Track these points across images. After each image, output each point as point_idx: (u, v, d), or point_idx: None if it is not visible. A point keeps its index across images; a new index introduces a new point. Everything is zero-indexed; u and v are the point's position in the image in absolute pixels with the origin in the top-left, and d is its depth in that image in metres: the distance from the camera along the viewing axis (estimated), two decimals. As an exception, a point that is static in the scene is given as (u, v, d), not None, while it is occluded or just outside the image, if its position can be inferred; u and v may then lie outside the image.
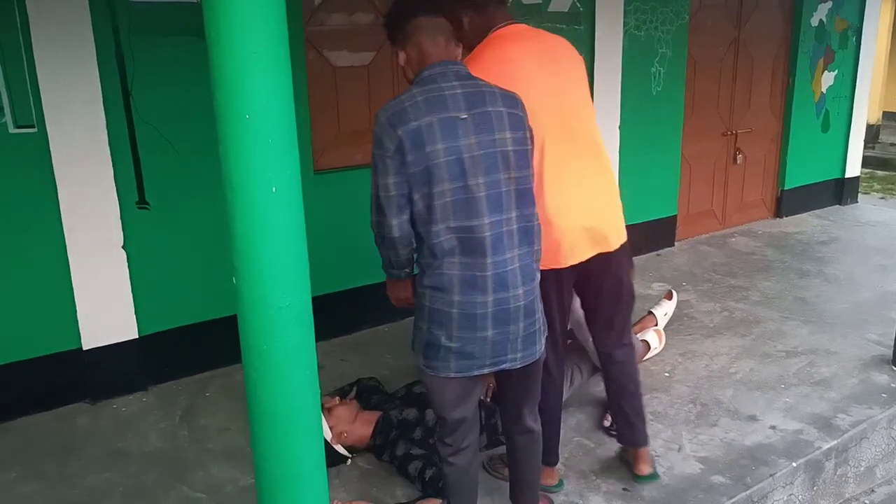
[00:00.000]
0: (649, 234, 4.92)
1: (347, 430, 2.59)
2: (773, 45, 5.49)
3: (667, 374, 3.27)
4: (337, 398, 2.75)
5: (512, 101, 1.87)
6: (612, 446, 2.70)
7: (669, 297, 3.67)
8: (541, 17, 4.05)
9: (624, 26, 4.38)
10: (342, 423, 2.60)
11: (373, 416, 2.65)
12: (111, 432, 2.88)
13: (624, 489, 2.48)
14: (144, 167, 3.03)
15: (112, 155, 2.93)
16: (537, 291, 1.93)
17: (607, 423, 2.79)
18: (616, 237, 2.28)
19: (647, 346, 3.30)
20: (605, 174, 2.28)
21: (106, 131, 2.89)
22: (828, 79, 5.82)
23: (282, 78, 1.36)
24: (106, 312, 3.05)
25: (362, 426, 2.62)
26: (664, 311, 3.59)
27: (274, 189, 1.36)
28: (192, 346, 3.28)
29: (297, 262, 1.44)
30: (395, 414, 2.61)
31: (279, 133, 1.35)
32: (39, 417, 2.98)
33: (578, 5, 4.18)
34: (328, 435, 2.53)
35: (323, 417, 2.54)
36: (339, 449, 2.56)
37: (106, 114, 2.88)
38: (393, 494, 2.46)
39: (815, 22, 5.55)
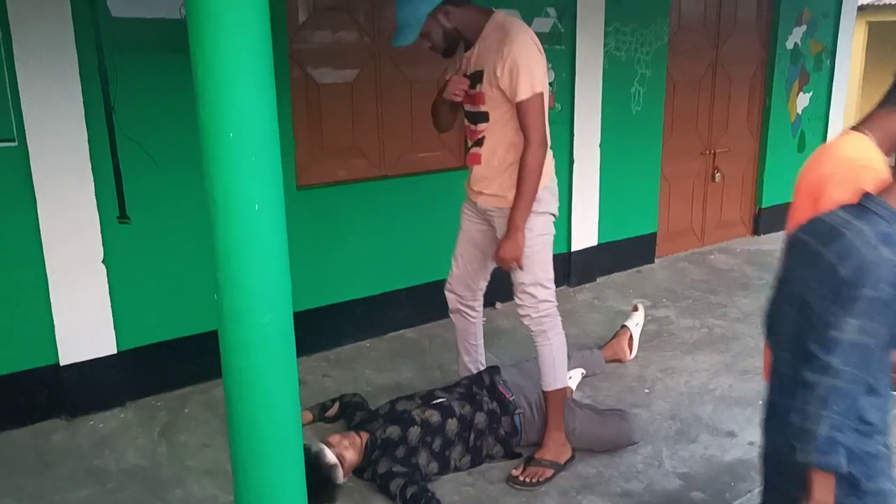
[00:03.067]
0: (630, 251, 4.97)
1: (352, 462, 2.57)
2: (750, 67, 5.60)
3: (647, 391, 3.29)
4: (337, 436, 2.61)
5: (840, 250, 1.47)
6: (591, 461, 2.71)
7: (636, 309, 3.72)
8: (523, 37, 4.09)
9: (604, 47, 4.45)
10: (348, 462, 2.54)
11: (360, 441, 2.61)
12: (88, 449, 2.85)
13: (604, 505, 2.49)
14: (126, 182, 3.02)
15: (93, 169, 2.92)
16: None
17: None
18: None
19: (570, 390, 3.13)
20: None
21: (87, 146, 2.88)
22: (803, 100, 5.94)
23: (266, 96, 1.37)
24: (84, 327, 3.02)
25: (356, 454, 2.59)
26: (635, 321, 3.65)
27: (257, 206, 1.37)
28: (171, 362, 3.26)
29: (279, 278, 1.45)
30: (378, 434, 2.60)
31: (263, 151, 1.36)
32: (15, 434, 2.93)
33: (560, 26, 4.24)
34: (341, 478, 2.50)
35: (338, 464, 2.47)
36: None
37: (88, 128, 2.87)
38: (374, 511, 2.45)
39: (790, 45, 5.67)
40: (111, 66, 2.90)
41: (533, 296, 2.63)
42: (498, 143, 2.56)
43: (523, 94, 2.42)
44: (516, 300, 2.68)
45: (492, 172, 2.60)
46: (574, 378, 3.18)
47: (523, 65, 2.40)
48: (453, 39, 2.51)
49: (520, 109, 2.45)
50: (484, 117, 2.56)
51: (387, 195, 3.80)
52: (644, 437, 2.89)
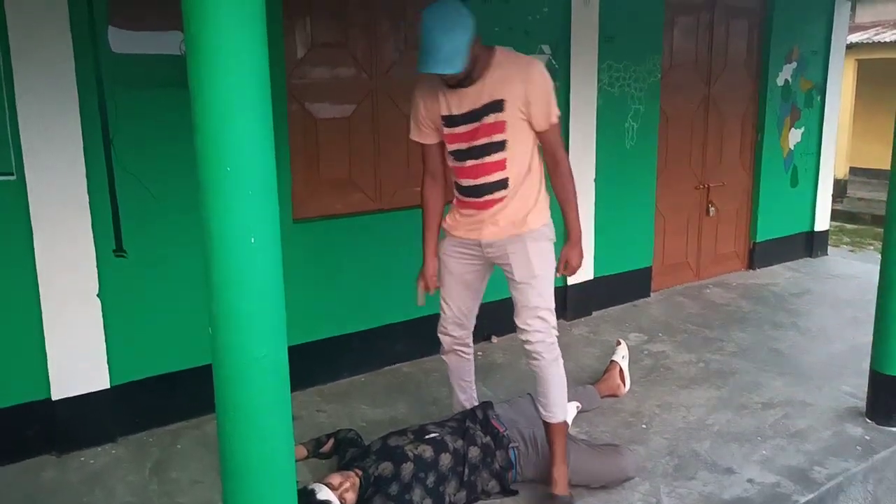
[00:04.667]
0: (625, 285, 4.98)
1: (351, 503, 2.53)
2: (742, 103, 5.68)
3: (644, 426, 3.26)
4: (338, 477, 2.55)
5: None
6: (589, 499, 2.68)
7: (619, 343, 3.72)
8: (518, 74, 4.15)
9: (598, 83, 4.51)
10: (349, 502, 2.50)
11: (358, 480, 2.56)
12: (78, 486, 2.80)
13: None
14: (123, 215, 3.02)
15: (91, 203, 2.92)
16: None
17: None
18: None
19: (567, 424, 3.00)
20: None
21: (85, 179, 2.89)
22: (795, 135, 6.01)
23: (263, 130, 1.38)
24: (77, 362, 2.99)
25: (355, 495, 2.54)
26: (621, 354, 3.63)
27: (253, 240, 1.37)
28: (164, 396, 3.23)
29: (274, 312, 1.45)
30: (371, 471, 2.56)
31: (259, 184, 1.37)
32: (4, 470, 2.88)
33: (554, 63, 4.31)
34: None
35: (334, 497, 2.42)
36: None
37: (86, 162, 2.89)
38: (368, 550, 2.41)
39: (780, 82, 5.77)
40: (111, 101, 2.93)
41: (546, 320, 2.61)
42: (517, 174, 2.56)
43: (554, 118, 2.52)
44: (526, 326, 2.60)
45: (507, 206, 2.59)
46: (570, 412, 3.15)
47: (550, 90, 2.49)
48: (470, 70, 2.46)
49: (550, 133, 2.55)
50: (500, 147, 2.53)
51: (383, 229, 3.81)
52: (641, 473, 2.85)
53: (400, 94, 3.82)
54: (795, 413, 3.40)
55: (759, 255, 5.92)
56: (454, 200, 2.74)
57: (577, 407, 3.22)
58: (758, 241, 5.90)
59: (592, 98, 4.50)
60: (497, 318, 3.46)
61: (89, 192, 2.92)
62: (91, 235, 2.95)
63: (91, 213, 2.93)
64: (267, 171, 1.38)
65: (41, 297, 2.88)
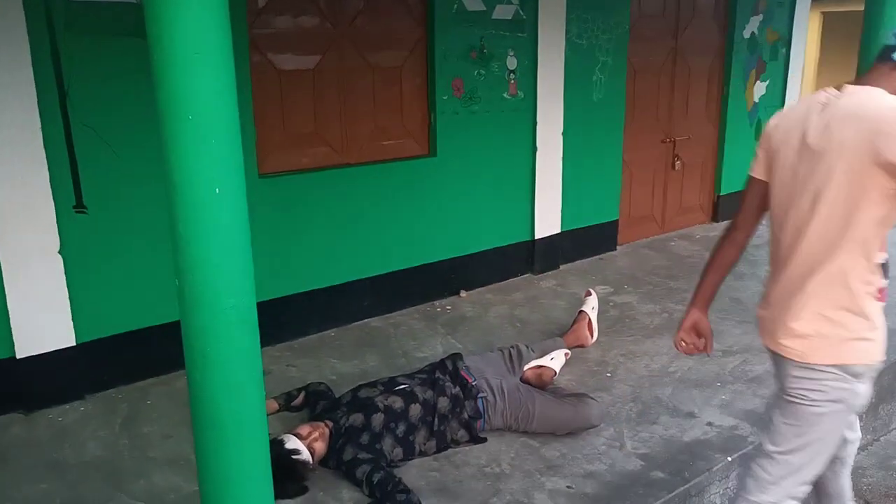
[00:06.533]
0: (592, 239, 5.04)
1: (321, 453, 2.57)
2: (709, 56, 5.70)
3: (609, 374, 3.35)
4: (307, 428, 2.59)
5: None
6: (555, 444, 2.76)
7: (588, 293, 3.77)
8: (485, 25, 4.10)
9: (566, 34, 4.48)
10: (318, 454, 2.55)
11: (327, 430, 2.61)
12: (47, 442, 2.79)
13: (568, 486, 2.53)
14: (82, 170, 2.95)
15: (48, 157, 2.84)
16: None
17: None
18: None
19: (553, 372, 3.15)
20: None
21: (41, 133, 2.81)
22: (760, 88, 6.07)
23: (225, 78, 1.36)
24: (41, 320, 2.95)
25: (324, 445, 2.59)
26: (591, 305, 3.69)
27: (217, 190, 1.36)
28: (132, 353, 3.21)
29: (241, 262, 1.44)
30: (342, 422, 2.60)
31: (222, 134, 1.35)
32: (-31, 429, 2.87)
33: (522, 13, 4.25)
34: (310, 459, 2.49)
35: (309, 458, 2.48)
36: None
37: (41, 115, 2.80)
38: (340, 498, 2.46)
39: (747, 34, 5.79)
40: (65, 50, 2.83)
41: None
42: None
43: None
44: None
45: None
46: (557, 359, 3.20)
47: None
48: None
49: None
50: None
51: (350, 183, 3.79)
52: (606, 419, 2.94)
53: (365, 44, 3.75)
54: (753, 359, 3.51)
55: (724, 207, 6.01)
56: (872, 293, 1.79)
57: (566, 354, 3.26)
58: (722, 193, 5.99)
59: (560, 50, 4.46)
60: (466, 272, 3.50)
61: (45, 147, 2.83)
62: (50, 191, 2.87)
63: (49, 168, 2.86)
64: (230, 120, 1.35)
65: (0, 256, 2.81)
